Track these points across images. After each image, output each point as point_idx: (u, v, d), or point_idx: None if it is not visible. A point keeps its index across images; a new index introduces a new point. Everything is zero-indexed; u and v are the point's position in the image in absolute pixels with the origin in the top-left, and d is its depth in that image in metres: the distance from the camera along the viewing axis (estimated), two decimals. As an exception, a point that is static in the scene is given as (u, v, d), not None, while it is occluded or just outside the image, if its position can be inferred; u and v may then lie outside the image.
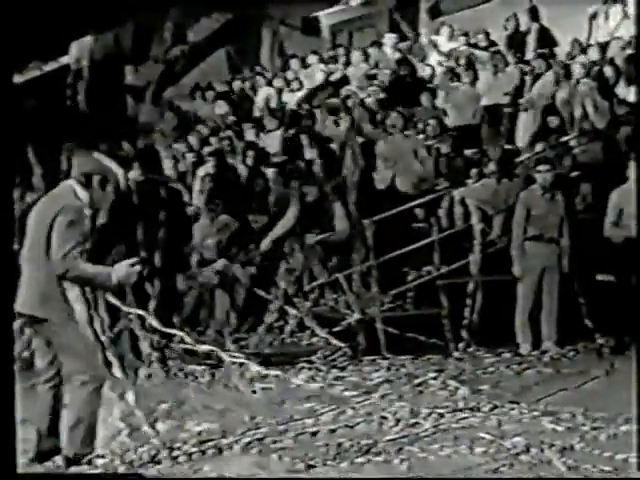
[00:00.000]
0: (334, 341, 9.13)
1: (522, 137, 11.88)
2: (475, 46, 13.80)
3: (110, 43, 14.71)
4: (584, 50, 12.82)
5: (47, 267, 5.66)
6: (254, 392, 8.14)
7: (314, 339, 9.20)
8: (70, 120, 13.50)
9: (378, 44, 14.41)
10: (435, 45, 14.19)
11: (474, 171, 10.80)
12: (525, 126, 11.90)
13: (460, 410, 7.19)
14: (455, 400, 7.58)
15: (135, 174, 10.50)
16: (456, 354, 9.34)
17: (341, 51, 14.55)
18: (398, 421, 6.93)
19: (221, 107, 13.80)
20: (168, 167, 12.47)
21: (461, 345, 9.53)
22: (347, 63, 14.22)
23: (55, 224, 5.64)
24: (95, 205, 5.82)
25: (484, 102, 12.64)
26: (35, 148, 11.77)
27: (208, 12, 15.30)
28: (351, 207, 9.82)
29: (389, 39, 14.37)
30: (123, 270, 5.77)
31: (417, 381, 8.22)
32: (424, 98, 12.64)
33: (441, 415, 7.02)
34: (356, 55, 14.16)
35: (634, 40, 12.08)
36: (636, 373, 6.17)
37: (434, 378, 8.30)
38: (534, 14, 13.87)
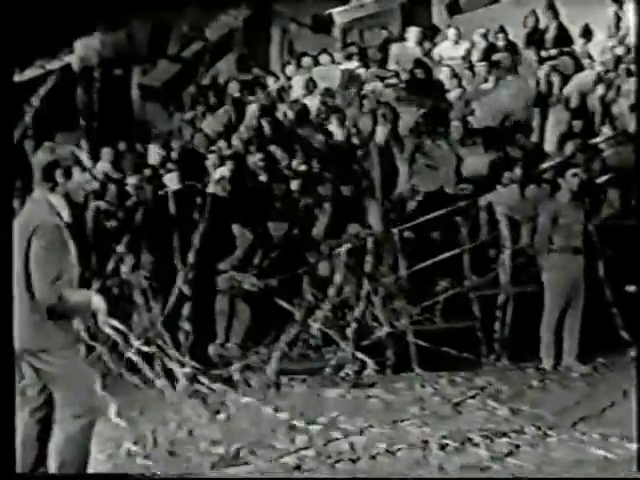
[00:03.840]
0: (360, 356, 8.72)
1: (550, 140, 11.50)
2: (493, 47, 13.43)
3: (122, 41, 14.24)
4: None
5: (32, 298, 5.05)
6: (276, 410, 7.79)
7: (340, 354, 8.79)
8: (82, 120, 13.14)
9: (401, 39, 14.04)
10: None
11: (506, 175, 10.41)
12: (553, 128, 11.52)
13: (505, 434, 6.80)
14: (497, 422, 7.21)
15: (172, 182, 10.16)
16: (486, 368, 9.00)
17: (355, 49, 14.17)
18: (443, 447, 6.52)
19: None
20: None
21: (491, 359, 9.18)
22: (363, 61, 13.84)
23: (31, 250, 5.01)
24: (73, 199, 5.25)
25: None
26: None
27: (225, 9, 14.85)
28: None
29: (412, 33, 13.96)
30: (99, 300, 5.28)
31: (455, 400, 7.85)
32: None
33: (490, 439, 6.64)
34: (373, 52, 13.79)
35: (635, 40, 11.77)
36: (636, 375, 6.06)
37: (472, 397, 7.93)
38: (553, 11, 13.49)
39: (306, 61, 13.88)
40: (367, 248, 9.21)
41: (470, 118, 12.09)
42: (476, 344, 9.23)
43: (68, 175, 5.26)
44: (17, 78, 13.13)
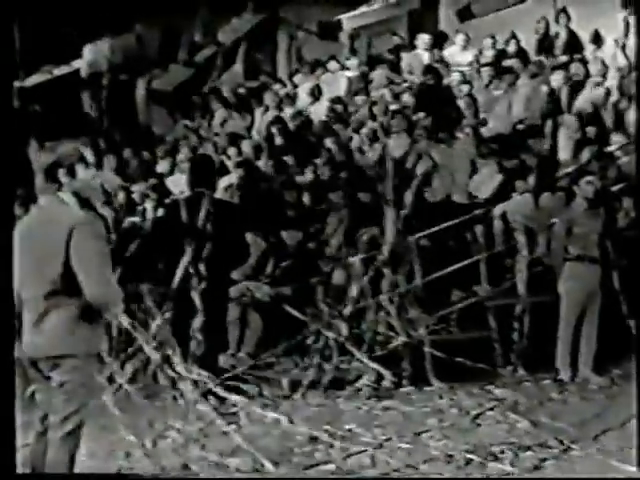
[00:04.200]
0: (375, 366, 8.54)
1: (563, 147, 11.35)
2: (503, 53, 13.33)
3: (132, 45, 14.05)
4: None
5: (72, 300, 4.87)
6: (292, 422, 7.62)
7: (355, 364, 8.61)
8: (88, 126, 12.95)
9: (411, 46, 13.94)
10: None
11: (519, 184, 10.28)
12: (566, 136, 11.39)
13: (529, 448, 6.64)
14: (518, 435, 7.04)
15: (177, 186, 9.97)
16: (503, 379, 8.83)
17: (363, 56, 14.09)
18: (468, 462, 6.35)
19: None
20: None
21: (508, 369, 9.02)
22: (371, 68, 13.73)
23: (75, 251, 4.82)
24: (82, 196, 5.06)
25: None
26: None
27: (237, 13, 14.71)
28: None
29: (422, 40, 13.83)
30: None
31: (474, 412, 7.69)
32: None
33: (515, 453, 6.48)
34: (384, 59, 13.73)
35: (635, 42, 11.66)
36: (636, 375, 6.05)
37: (491, 409, 7.76)
38: (566, 16, 13.38)
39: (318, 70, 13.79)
40: (382, 256, 9.05)
41: (482, 124, 11.98)
42: (493, 354, 9.07)
43: (72, 173, 5.13)
44: (23, 84, 12.99)
